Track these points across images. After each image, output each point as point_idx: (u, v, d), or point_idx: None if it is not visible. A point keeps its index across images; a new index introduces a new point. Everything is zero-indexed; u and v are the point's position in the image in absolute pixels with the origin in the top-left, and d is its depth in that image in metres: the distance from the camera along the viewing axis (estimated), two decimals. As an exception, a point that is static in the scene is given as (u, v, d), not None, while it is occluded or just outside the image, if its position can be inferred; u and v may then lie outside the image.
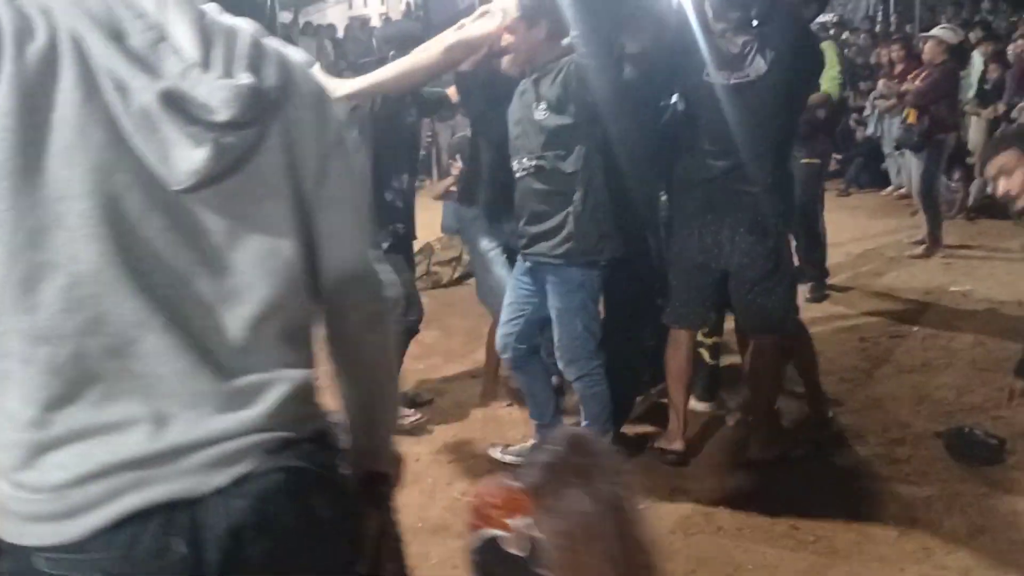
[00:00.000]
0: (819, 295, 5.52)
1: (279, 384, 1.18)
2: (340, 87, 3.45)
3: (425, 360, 4.80)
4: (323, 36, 14.36)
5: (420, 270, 6.19)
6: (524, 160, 3.20)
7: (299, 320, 1.24)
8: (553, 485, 1.18)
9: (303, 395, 1.23)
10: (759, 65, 3.11)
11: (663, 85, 3.41)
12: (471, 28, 3.33)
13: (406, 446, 3.74)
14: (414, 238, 4.00)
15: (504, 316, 3.50)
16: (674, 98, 3.46)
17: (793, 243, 5.72)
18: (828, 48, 5.64)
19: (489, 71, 3.38)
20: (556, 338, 3.29)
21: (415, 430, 3.87)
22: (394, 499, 1.42)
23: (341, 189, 1.22)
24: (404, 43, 3.66)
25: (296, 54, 1.22)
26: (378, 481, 1.39)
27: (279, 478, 1.14)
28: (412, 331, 3.92)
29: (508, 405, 4.14)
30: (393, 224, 3.74)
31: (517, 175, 3.25)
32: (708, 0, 3.22)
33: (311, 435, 1.22)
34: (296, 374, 1.21)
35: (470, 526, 1.22)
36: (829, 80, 5.54)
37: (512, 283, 3.49)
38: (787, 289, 3.35)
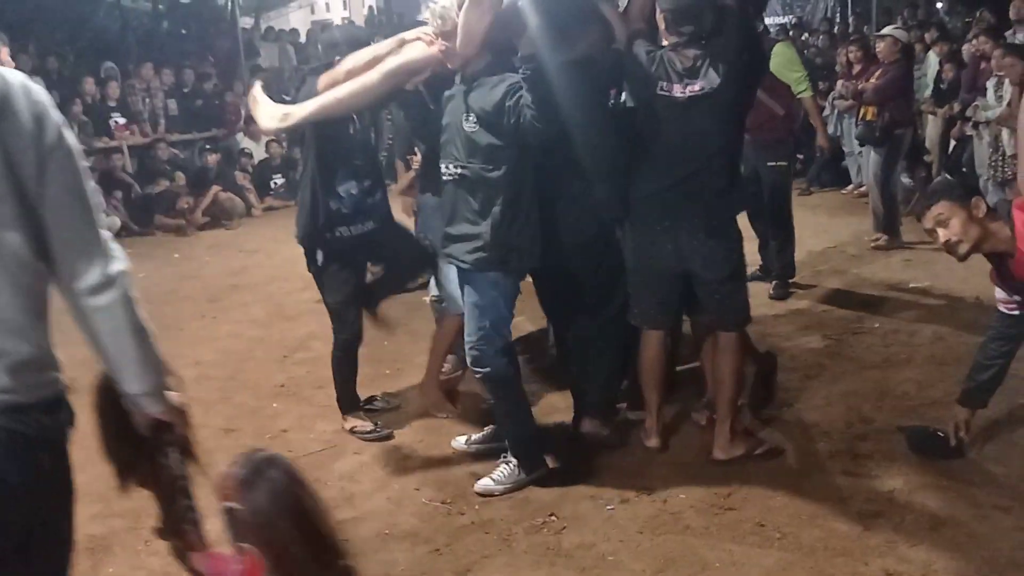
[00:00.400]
0: (783, 293, 5.58)
1: (11, 355, 1.48)
2: (289, 114, 3.42)
3: (391, 366, 4.78)
4: (285, 41, 14.27)
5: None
6: (451, 166, 3.23)
7: (34, 298, 1.53)
8: (241, 489, 1.58)
9: (37, 365, 1.53)
10: (712, 78, 3.16)
11: (608, 87, 3.41)
12: (411, 51, 3.34)
13: (372, 453, 3.72)
14: (373, 245, 3.83)
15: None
16: (623, 97, 3.47)
17: (757, 243, 5.84)
18: (786, 49, 5.69)
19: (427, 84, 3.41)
20: (466, 333, 3.32)
21: (382, 436, 3.84)
22: (178, 444, 1.73)
23: (62, 184, 1.51)
24: (350, 47, 3.64)
25: (14, 74, 1.50)
26: (160, 429, 1.69)
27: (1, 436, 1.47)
28: (348, 347, 3.87)
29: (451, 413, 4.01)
30: (336, 229, 3.65)
31: (444, 178, 3.28)
32: (660, 14, 3.25)
33: (41, 401, 1.53)
34: (30, 345, 1.51)
35: (217, 497, 1.61)
36: (797, 80, 5.59)
37: (459, 293, 3.49)
38: (745, 287, 3.43)
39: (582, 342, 3.61)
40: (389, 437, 3.86)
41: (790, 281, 5.70)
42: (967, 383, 3.35)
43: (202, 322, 5.99)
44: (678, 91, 3.19)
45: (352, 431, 3.89)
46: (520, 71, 3.00)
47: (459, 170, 3.19)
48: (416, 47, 3.38)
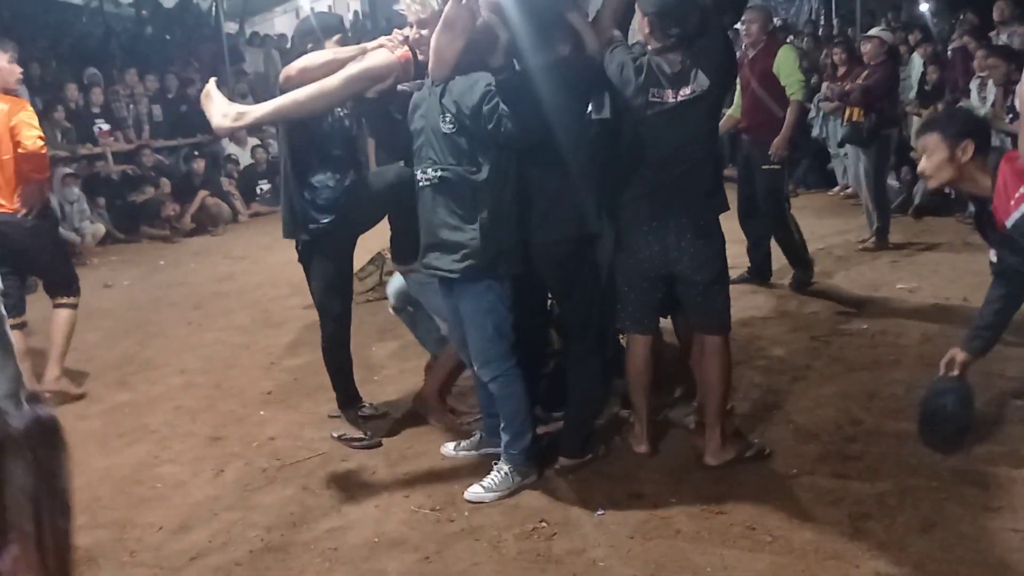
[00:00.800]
0: (806, 278, 5.68)
1: None
2: (244, 114, 3.39)
3: (380, 372, 4.75)
4: (270, 46, 14.22)
5: (372, 280, 6.12)
6: (429, 170, 3.17)
7: None
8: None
9: None
10: (702, 80, 3.16)
11: (586, 93, 3.38)
12: (374, 57, 3.31)
13: (360, 461, 3.69)
14: (349, 234, 3.77)
15: (455, 339, 3.50)
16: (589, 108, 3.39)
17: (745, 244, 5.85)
18: (790, 52, 5.70)
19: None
20: (469, 340, 3.29)
21: (370, 444, 3.81)
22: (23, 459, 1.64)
23: None
24: (324, 34, 3.61)
25: None
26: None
27: None
28: (334, 338, 3.82)
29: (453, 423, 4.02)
30: (316, 222, 3.58)
31: (420, 184, 3.21)
32: (645, 19, 3.24)
33: None
34: None
35: None
36: (793, 83, 5.59)
37: (444, 304, 3.45)
38: (727, 290, 3.42)
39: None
40: (378, 444, 3.82)
41: (812, 270, 5.75)
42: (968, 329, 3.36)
43: (188, 329, 5.94)
44: (670, 97, 3.19)
45: (340, 439, 3.85)
46: (495, 82, 2.98)
47: (439, 173, 3.13)
48: (379, 54, 3.35)
